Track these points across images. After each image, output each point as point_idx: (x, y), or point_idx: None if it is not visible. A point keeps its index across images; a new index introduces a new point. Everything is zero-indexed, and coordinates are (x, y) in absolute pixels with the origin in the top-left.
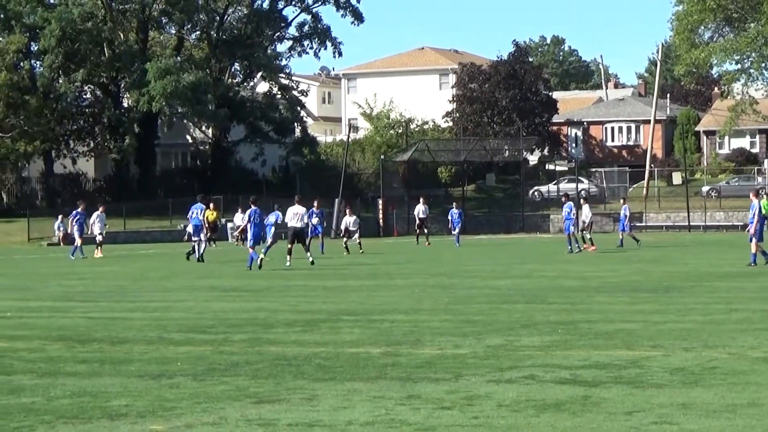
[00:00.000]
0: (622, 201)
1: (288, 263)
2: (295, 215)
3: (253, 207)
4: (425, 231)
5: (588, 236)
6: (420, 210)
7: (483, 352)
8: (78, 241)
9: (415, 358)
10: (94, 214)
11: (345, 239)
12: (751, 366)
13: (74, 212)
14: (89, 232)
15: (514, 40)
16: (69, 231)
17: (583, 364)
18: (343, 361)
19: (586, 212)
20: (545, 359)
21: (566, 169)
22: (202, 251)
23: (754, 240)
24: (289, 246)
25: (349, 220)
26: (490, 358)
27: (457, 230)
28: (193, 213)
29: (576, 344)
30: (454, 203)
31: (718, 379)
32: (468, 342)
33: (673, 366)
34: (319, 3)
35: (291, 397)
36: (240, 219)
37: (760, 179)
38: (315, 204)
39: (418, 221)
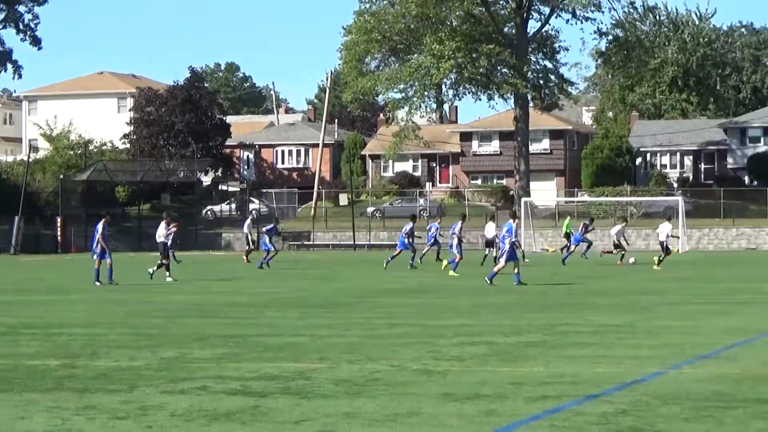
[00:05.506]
0: (438, 221)
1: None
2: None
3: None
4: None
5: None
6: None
7: (157, 364)
8: None
9: (91, 370)
10: None
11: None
12: (411, 377)
13: None
14: None
15: (190, 66)
16: None
17: (253, 376)
18: (21, 373)
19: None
20: (217, 371)
21: (238, 189)
22: None
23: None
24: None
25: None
26: (164, 370)
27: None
28: None
29: (246, 357)
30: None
31: (380, 389)
32: (143, 354)
33: (339, 377)
34: (0, 26)
35: None
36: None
37: (421, 201)
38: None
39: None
